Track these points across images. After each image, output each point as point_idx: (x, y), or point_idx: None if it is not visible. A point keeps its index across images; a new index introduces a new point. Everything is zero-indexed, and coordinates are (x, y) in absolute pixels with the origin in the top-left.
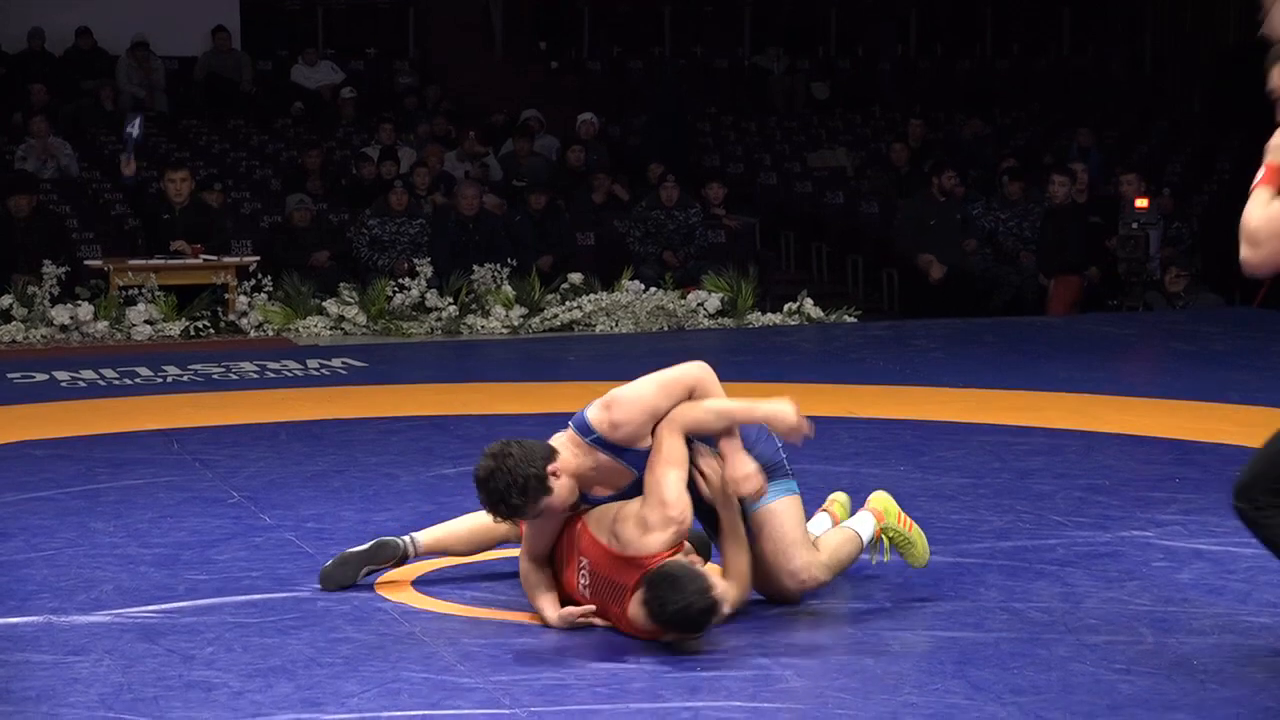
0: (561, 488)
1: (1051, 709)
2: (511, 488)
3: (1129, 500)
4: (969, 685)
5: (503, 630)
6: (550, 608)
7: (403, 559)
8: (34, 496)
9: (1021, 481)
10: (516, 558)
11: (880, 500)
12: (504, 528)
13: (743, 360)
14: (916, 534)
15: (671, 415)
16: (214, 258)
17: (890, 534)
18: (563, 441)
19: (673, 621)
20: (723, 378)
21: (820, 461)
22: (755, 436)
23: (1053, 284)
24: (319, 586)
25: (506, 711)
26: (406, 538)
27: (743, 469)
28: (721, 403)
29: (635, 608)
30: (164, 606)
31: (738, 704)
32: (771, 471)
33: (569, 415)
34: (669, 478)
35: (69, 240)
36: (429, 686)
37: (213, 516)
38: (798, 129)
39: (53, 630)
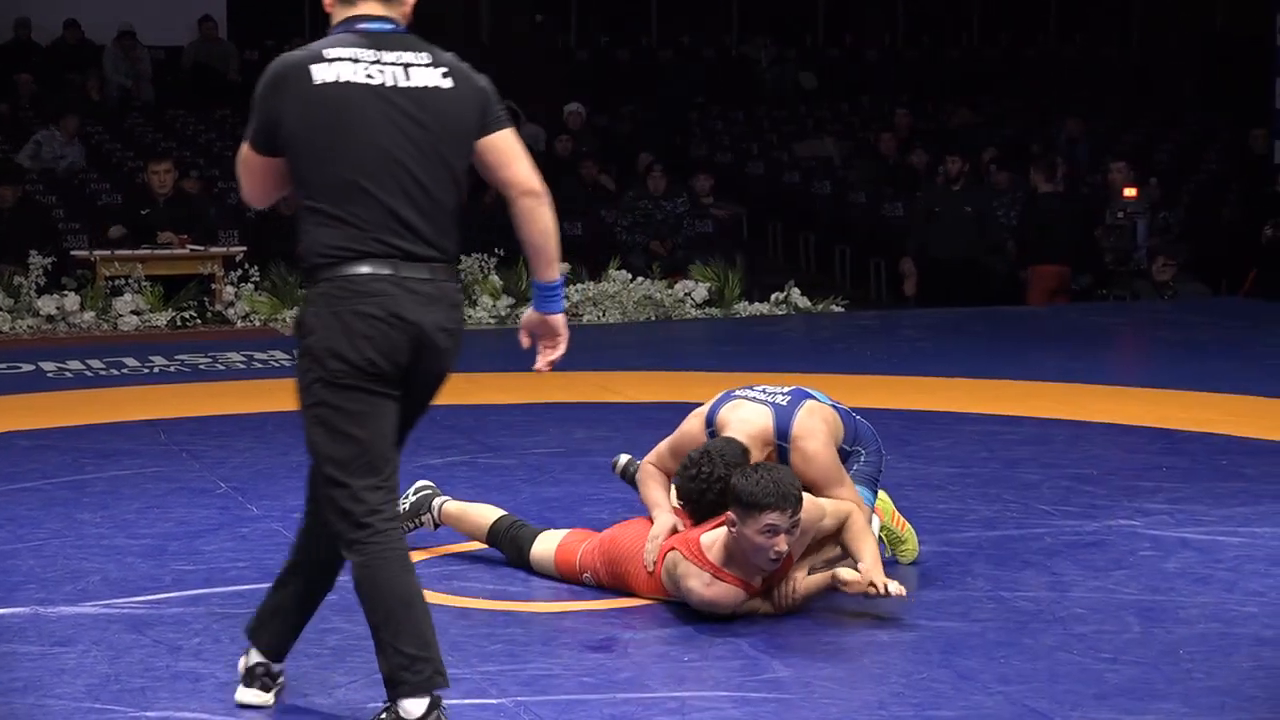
0: None
1: (1038, 698)
2: (719, 506)
3: (1116, 489)
4: (956, 674)
5: (490, 621)
6: (665, 508)
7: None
8: (20, 487)
9: (1009, 471)
10: (499, 551)
11: (880, 501)
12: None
13: (730, 350)
14: (909, 532)
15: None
16: (200, 248)
17: (884, 532)
18: (747, 432)
19: (759, 485)
20: (710, 367)
21: None
22: (874, 449)
23: (1031, 274)
24: None
25: (494, 701)
26: (437, 502)
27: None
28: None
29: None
30: (151, 597)
31: (724, 693)
32: (868, 482)
33: (555, 405)
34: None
35: (55, 231)
36: None
37: (200, 507)
38: (785, 119)
39: (39, 621)
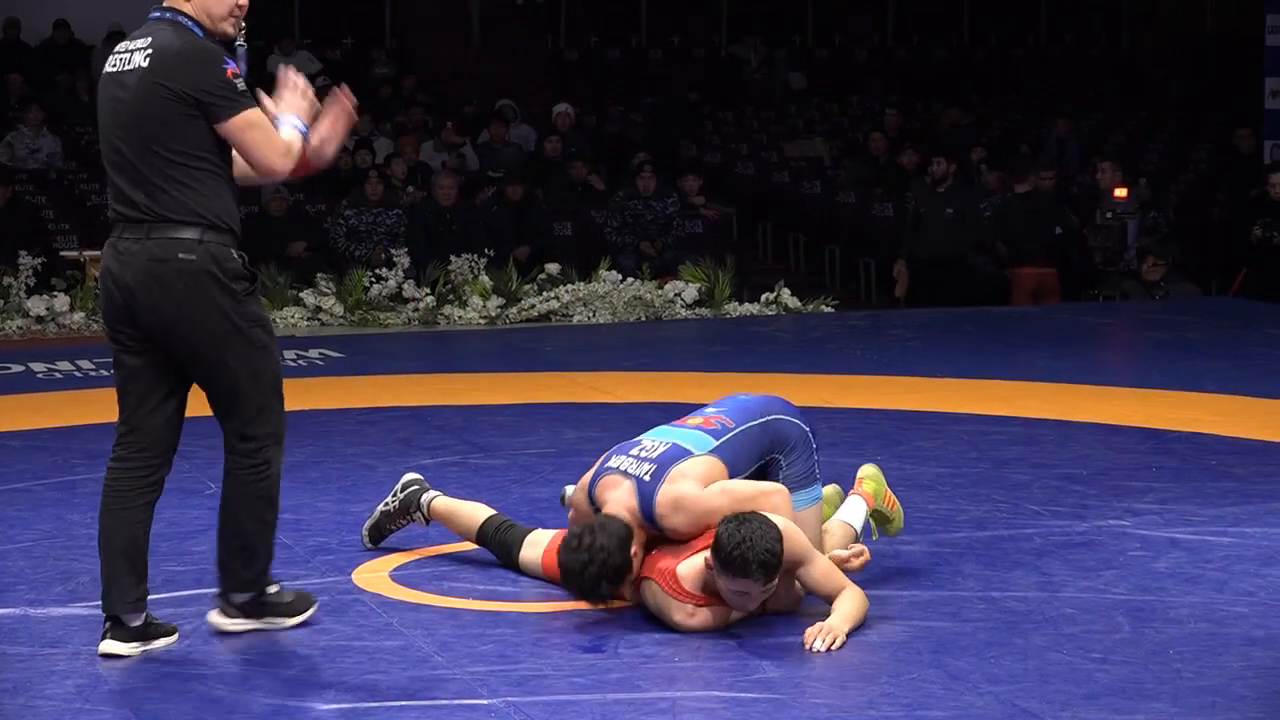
0: (638, 561)
1: (1028, 698)
2: (602, 579)
3: (1105, 489)
4: (946, 674)
5: (480, 621)
6: None
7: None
8: (10, 488)
9: (998, 471)
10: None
11: (870, 483)
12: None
13: (720, 350)
14: (897, 511)
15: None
16: None
17: (873, 515)
18: (624, 508)
19: (734, 552)
20: (700, 368)
21: None
22: (797, 449)
23: (1013, 276)
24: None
25: (484, 702)
26: (425, 498)
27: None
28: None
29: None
30: None
31: (716, 694)
32: (802, 482)
33: (546, 405)
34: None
35: (45, 231)
36: (407, 678)
37: (189, 508)
38: (775, 119)
39: (29, 622)
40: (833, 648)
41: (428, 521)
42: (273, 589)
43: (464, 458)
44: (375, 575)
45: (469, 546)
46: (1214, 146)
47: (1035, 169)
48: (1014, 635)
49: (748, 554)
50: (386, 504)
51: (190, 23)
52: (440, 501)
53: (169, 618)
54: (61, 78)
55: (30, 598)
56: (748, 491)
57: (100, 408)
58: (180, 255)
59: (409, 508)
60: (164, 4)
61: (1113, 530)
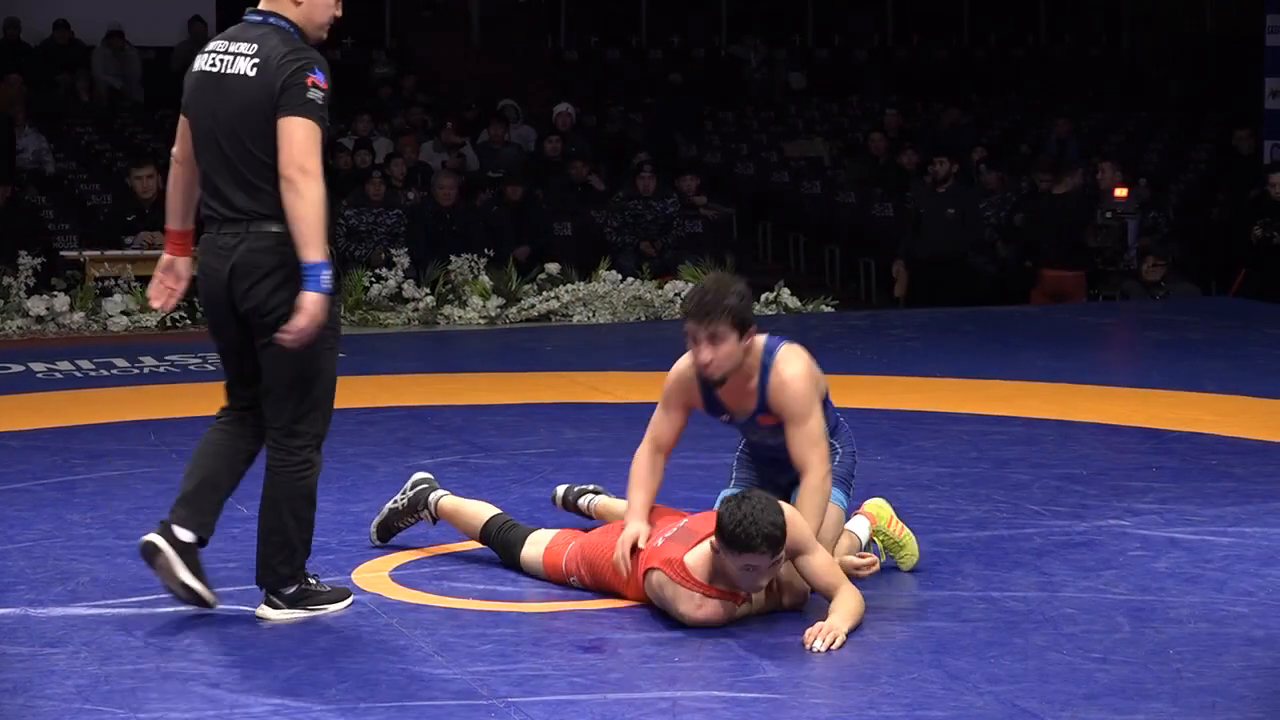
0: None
1: (1028, 698)
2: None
3: (1105, 489)
4: (946, 674)
5: (480, 621)
6: (639, 516)
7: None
8: (10, 488)
9: (998, 471)
10: (487, 550)
11: (874, 505)
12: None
13: None
14: (908, 538)
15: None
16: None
17: (881, 537)
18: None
19: (738, 528)
20: None
21: None
22: (841, 447)
23: (1041, 276)
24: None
25: (484, 702)
26: (433, 497)
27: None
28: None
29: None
30: (141, 598)
31: (716, 693)
32: (838, 481)
33: (545, 405)
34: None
35: (45, 231)
36: (406, 677)
37: None
38: (775, 118)
39: (29, 622)
40: (833, 647)
41: (435, 520)
42: (312, 580)
43: (464, 458)
44: (375, 575)
45: (469, 546)
46: (1214, 146)
47: (1070, 169)
48: (1014, 635)
49: (751, 529)
50: (395, 501)
51: (292, 29)
52: (447, 500)
53: (169, 619)
54: (61, 78)
55: (30, 598)
56: (816, 434)
57: (100, 408)
58: (280, 248)
59: (417, 506)
60: (261, 6)
61: (1113, 530)
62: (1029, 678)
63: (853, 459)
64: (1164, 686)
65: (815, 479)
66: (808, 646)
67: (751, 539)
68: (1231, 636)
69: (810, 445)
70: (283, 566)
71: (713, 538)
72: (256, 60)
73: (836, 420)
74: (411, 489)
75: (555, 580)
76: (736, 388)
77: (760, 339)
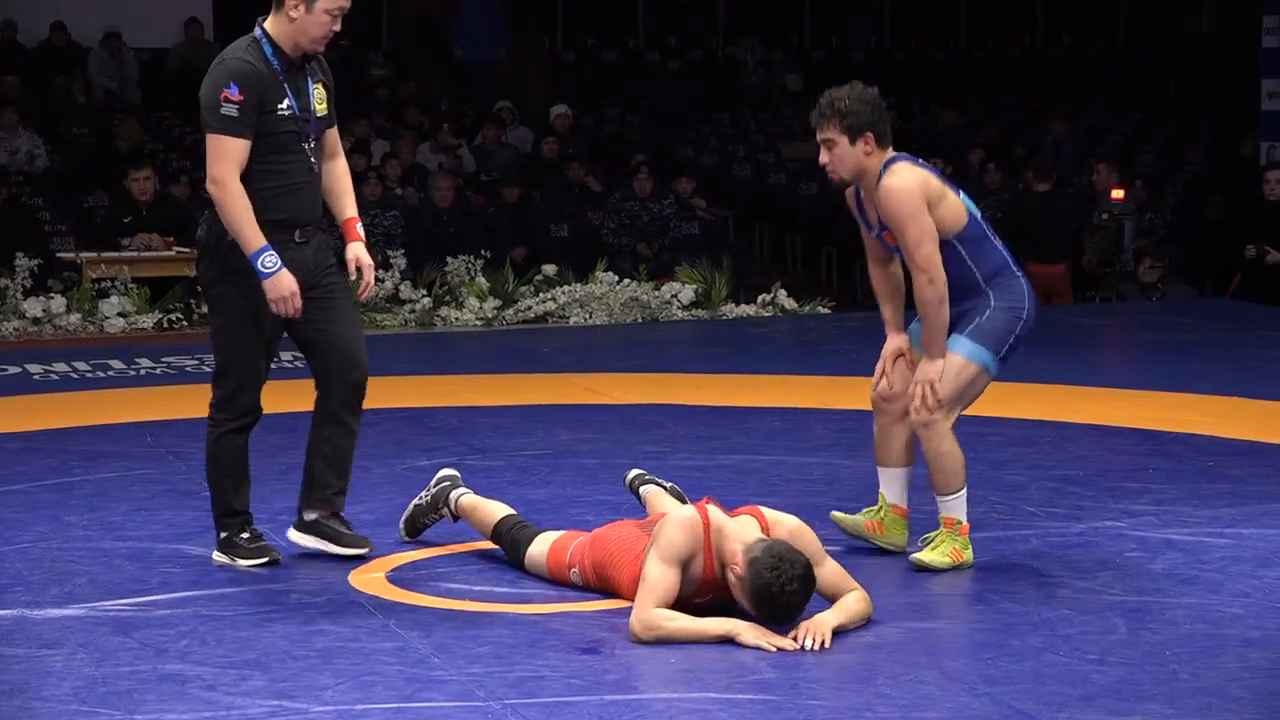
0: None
1: (1024, 699)
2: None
3: (1102, 491)
4: (942, 675)
5: (477, 622)
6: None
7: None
8: (7, 490)
9: (995, 472)
10: (490, 551)
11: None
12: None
13: (716, 352)
14: (892, 530)
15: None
16: (187, 250)
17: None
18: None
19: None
20: (696, 370)
21: (794, 453)
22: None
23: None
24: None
25: (481, 704)
26: (454, 494)
27: None
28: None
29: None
30: (138, 600)
31: (712, 695)
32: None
33: (542, 407)
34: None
35: (41, 233)
36: (403, 679)
37: (187, 509)
38: (771, 120)
39: (26, 624)
40: (821, 645)
41: (456, 519)
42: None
43: (460, 459)
44: (372, 576)
45: (468, 546)
46: (1211, 148)
47: (1048, 165)
48: (1010, 636)
49: (785, 610)
50: (420, 498)
51: (264, 39)
52: (466, 498)
53: (166, 621)
54: (58, 80)
55: (27, 599)
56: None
57: (97, 410)
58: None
59: (438, 503)
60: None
61: (1109, 531)
62: (1025, 679)
63: (1012, 318)
64: (1160, 688)
65: (918, 291)
66: (799, 644)
67: (782, 616)
68: (1228, 638)
69: (908, 255)
70: (340, 480)
71: (744, 569)
72: (326, 82)
73: (999, 265)
74: (435, 485)
75: (556, 576)
76: (870, 199)
77: (890, 153)
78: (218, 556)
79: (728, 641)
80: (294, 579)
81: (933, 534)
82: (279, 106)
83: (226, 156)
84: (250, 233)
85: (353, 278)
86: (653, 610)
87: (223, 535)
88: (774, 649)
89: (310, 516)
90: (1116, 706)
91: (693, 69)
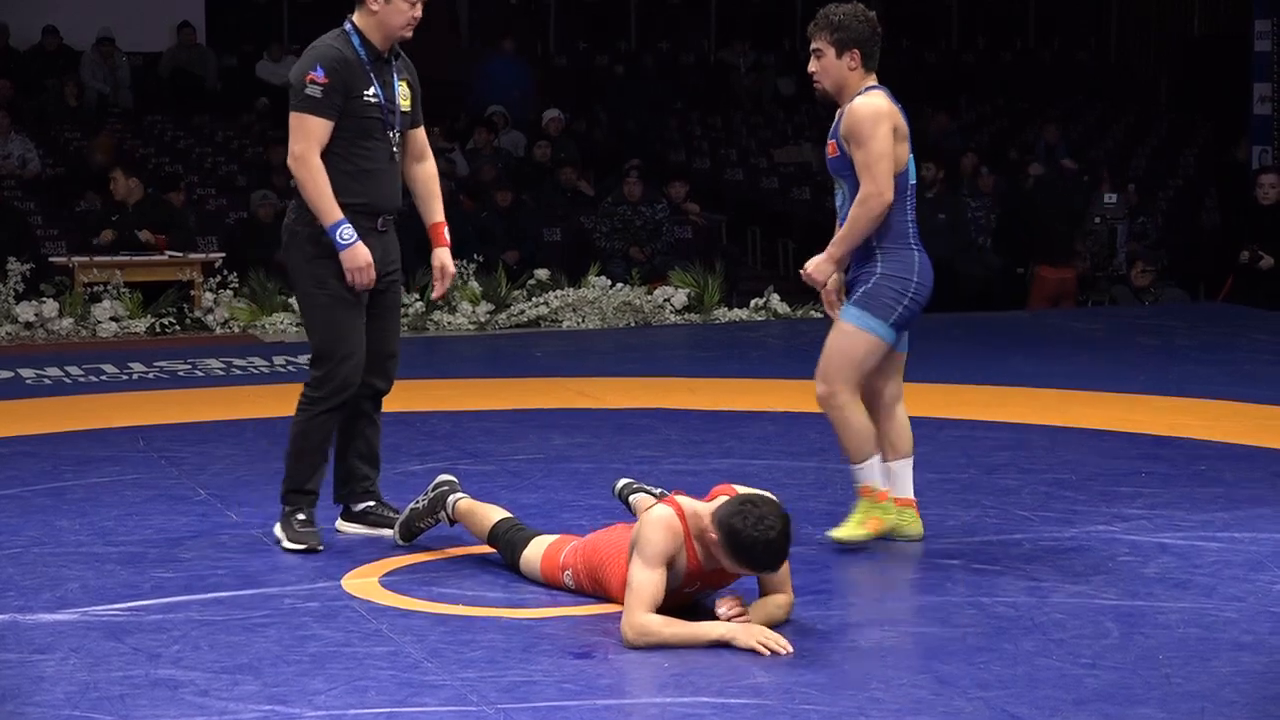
0: None
1: (1018, 703)
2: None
3: (1094, 495)
4: (936, 680)
5: (470, 627)
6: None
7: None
8: None
9: (987, 476)
10: (484, 555)
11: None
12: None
13: (709, 356)
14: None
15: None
16: (179, 254)
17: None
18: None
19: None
20: (689, 374)
21: (787, 457)
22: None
23: (1034, 276)
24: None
25: (474, 709)
26: (452, 499)
27: None
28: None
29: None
30: (130, 605)
31: (705, 700)
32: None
33: (534, 411)
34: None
35: (33, 237)
36: (396, 684)
37: (179, 514)
38: (764, 124)
39: (18, 628)
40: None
41: (452, 522)
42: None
43: (453, 464)
44: (365, 581)
45: (462, 551)
46: (1203, 152)
47: (1030, 162)
48: (1003, 641)
49: (769, 555)
50: (416, 502)
51: (353, 31)
52: (464, 503)
53: (157, 624)
54: (50, 83)
55: (19, 604)
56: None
57: (89, 414)
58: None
59: (435, 507)
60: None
61: (1102, 535)
62: (1018, 683)
63: (899, 289)
64: (1153, 692)
65: (862, 201)
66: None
67: (767, 559)
68: (1220, 641)
69: (861, 168)
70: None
71: (715, 529)
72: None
73: (900, 233)
74: (433, 490)
75: (549, 579)
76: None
77: (873, 80)
78: (277, 531)
79: (723, 645)
80: (287, 584)
81: (853, 508)
82: (365, 93)
83: (308, 134)
84: (328, 205)
85: (434, 280)
86: (645, 616)
87: (286, 509)
88: (768, 652)
89: (358, 507)
90: (1109, 710)
91: (685, 72)
